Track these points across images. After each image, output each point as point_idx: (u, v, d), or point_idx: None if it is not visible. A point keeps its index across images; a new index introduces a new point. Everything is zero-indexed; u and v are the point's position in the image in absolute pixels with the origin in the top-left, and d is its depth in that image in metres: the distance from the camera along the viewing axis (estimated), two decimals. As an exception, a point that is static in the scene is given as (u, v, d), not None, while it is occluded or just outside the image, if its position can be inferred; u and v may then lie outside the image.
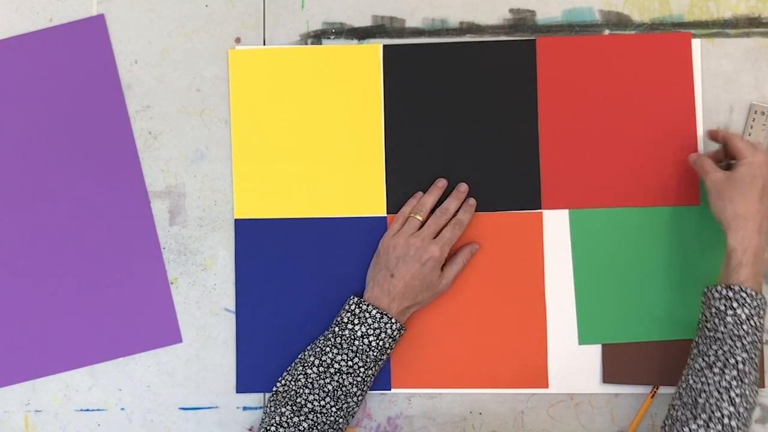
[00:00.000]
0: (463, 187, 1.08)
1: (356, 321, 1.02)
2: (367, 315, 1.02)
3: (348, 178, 1.11)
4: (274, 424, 0.99)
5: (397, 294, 1.03)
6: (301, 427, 0.98)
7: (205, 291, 1.11)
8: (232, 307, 1.11)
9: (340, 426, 1.01)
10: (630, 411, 1.08)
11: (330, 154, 1.11)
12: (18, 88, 1.11)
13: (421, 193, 1.09)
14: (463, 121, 1.10)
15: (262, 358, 1.09)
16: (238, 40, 1.13)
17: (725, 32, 1.11)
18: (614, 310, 1.08)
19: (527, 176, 1.10)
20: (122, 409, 1.10)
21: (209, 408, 1.10)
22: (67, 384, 1.10)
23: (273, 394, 1.03)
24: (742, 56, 1.10)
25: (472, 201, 1.08)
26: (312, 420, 0.99)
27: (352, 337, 1.01)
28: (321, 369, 1.01)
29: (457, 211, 1.08)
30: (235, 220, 1.11)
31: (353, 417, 1.03)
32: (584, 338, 1.08)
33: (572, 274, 1.09)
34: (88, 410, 1.10)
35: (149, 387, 1.10)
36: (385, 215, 1.10)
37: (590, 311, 1.08)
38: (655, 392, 1.07)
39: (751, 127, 1.09)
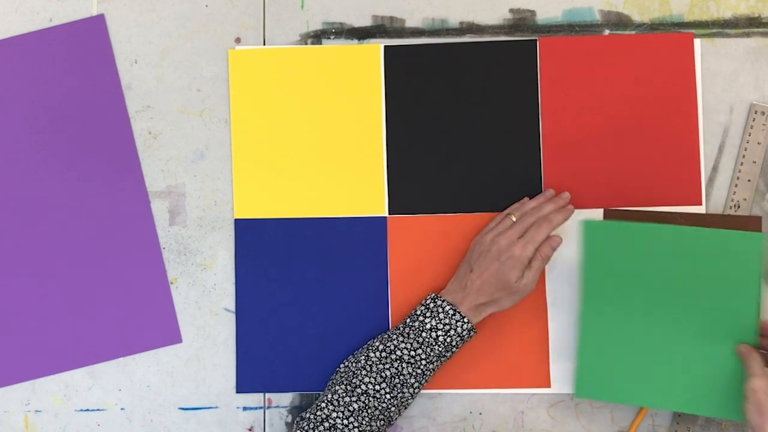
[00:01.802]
0: (566, 195, 1.06)
1: (428, 314, 1.02)
2: (440, 310, 1.02)
3: (348, 178, 1.11)
4: (326, 401, 0.99)
5: (473, 290, 1.02)
6: (351, 408, 0.98)
7: (205, 291, 1.11)
8: (232, 307, 1.11)
9: (392, 415, 1.01)
10: (630, 411, 1.08)
11: (330, 154, 1.11)
12: (18, 88, 1.11)
13: (527, 198, 1.08)
14: (465, 121, 1.10)
15: (262, 358, 1.09)
16: (238, 40, 1.13)
17: (725, 32, 1.11)
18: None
19: (529, 177, 1.10)
20: (122, 409, 1.10)
21: (209, 408, 1.10)
22: (67, 384, 1.10)
23: (334, 374, 1.04)
24: (742, 56, 1.10)
25: (571, 207, 1.06)
26: (363, 402, 0.99)
27: (421, 328, 1.01)
28: (383, 354, 1.01)
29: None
30: (235, 220, 1.11)
31: (406, 408, 1.03)
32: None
33: (574, 273, 1.09)
34: (88, 410, 1.10)
35: (149, 387, 1.10)
36: (386, 215, 1.10)
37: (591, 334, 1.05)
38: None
39: (751, 127, 1.09)
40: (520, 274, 1.02)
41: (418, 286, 1.09)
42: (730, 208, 1.09)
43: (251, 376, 1.10)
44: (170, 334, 1.10)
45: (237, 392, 1.10)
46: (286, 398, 1.10)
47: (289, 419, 1.10)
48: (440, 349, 1.01)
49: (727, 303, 0.99)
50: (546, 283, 1.09)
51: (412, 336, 1.01)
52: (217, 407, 1.10)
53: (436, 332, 1.01)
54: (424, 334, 1.01)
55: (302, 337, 1.09)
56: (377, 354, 1.01)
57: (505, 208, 1.09)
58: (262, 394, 1.10)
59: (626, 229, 1.02)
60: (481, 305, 1.03)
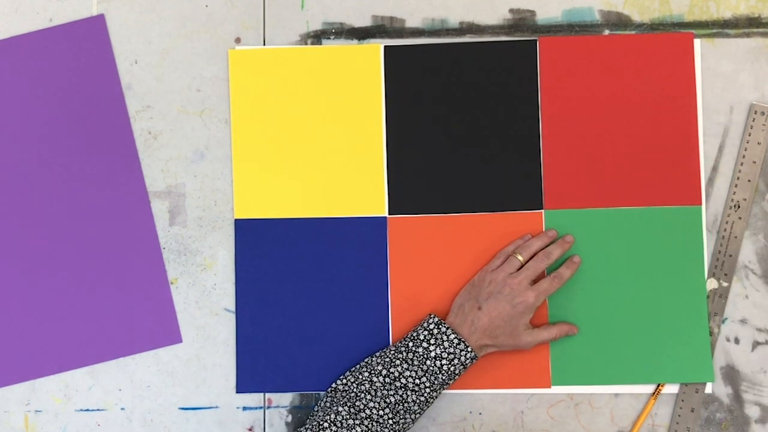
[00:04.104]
0: (569, 238, 1.07)
1: (432, 341, 1.01)
2: (445, 338, 1.01)
3: (348, 178, 1.11)
4: (328, 421, 0.99)
5: (479, 328, 1.02)
6: (354, 431, 0.98)
7: (205, 291, 1.11)
8: (232, 307, 1.11)
9: None
10: (630, 411, 1.08)
11: (330, 154, 1.11)
12: (18, 88, 1.11)
13: (530, 234, 1.08)
14: (465, 121, 1.10)
15: (262, 358, 1.09)
16: (238, 40, 1.13)
17: (725, 32, 1.11)
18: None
19: (529, 177, 1.10)
20: (122, 409, 1.10)
21: (209, 408, 1.10)
22: (67, 384, 1.10)
23: (331, 391, 1.03)
24: (742, 56, 1.10)
25: (577, 258, 1.07)
26: (366, 426, 0.98)
27: (425, 356, 1.01)
28: (387, 380, 1.00)
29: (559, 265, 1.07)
30: (235, 220, 1.11)
31: None
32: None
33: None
34: (88, 410, 1.10)
35: (149, 387, 1.10)
36: (386, 215, 1.10)
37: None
38: (659, 392, 1.07)
39: (751, 127, 1.09)
40: (528, 325, 1.04)
41: (419, 286, 1.09)
42: (730, 208, 1.09)
43: (251, 376, 1.10)
44: (170, 334, 1.10)
45: (237, 392, 1.10)
46: (286, 398, 1.10)
47: (289, 419, 1.10)
48: (444, 377, 1.01)
49: (677, 274, 1.08)
50: (546, 283, 1.09)
51: (416, 363, 1.01)
52: (217, 407, 1.10)
53: (440, 361, 1.00)
54: (428, 362, 1.00)
55: (302, 337, 1.09)
56: (381, 379, 1.01)
57: (505, 208, 1.09)
58: (262, 394, 1.10)
59: (582, 215, 1.08)
60: (484, 345, 1.03)
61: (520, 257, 1.05)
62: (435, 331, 1.02)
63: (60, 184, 1.10)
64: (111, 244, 1.10)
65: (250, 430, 1.10)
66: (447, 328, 1.01)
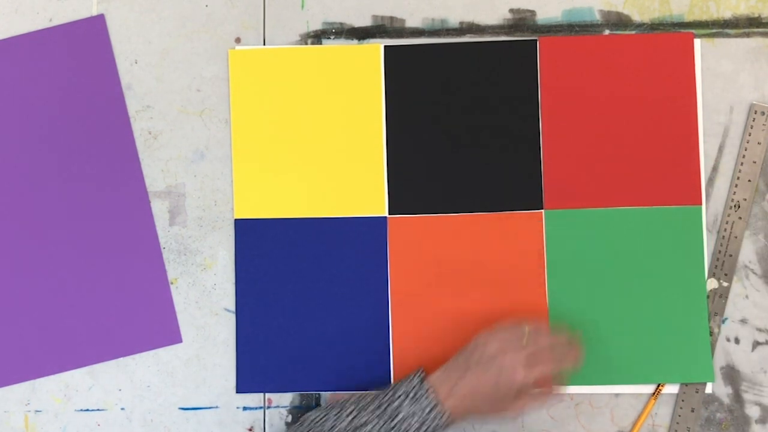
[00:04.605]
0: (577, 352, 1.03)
1: (408, 399, 0.97)
2: (422, 399, 0.96)
3: (348, 178, 1.11)
4: None
5: (459, 394, 0.97)
6: None
7: (205, 291, 1.11)
8: (232, 307, 1.11)
9: None
10: (630, 411, 1.08)
11: (330, 154, 1.11)
12: (18, 88, 1.11)
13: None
14: (465, 121, 1.10)
15: (262, 358, 1.10)
16: (238, 40, 1.13)
17: (725, 32, 1.11)
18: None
19: (529, 177, 1.10)
20: (122, 409, 1.10)
21: (209, 408, 1.10)
22: (67, 384, 1.10)
23: (300, 423, 1.00)
24: (742, 56, 1.10)
25: (581, 359, 1.03)
26: None
27: (396, 412, 0.96)
28: (351, 426, 0.97)
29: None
30: (235, 220, 1.11)
31: None
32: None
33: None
34: (88, 410, 1.10)
35: (149, 387, 1.10)
36: (386, 215, 1.10)
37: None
38: (659, 392, 1.07)
39: (751, 127, 1.09)
40: (512, 398, 0.98)
41: (419, 286, 1.09)
42: (730, 208, 1.09)
43: (251, 376, 1.10)
44: (170, 334, 1.10)
45: (237, 392, 1.10)
46: (286, 398, 1.10)
47: (289, 419, 1.10)
48: None
49: (677, 274, 1.08)
50: (546, 283, 1.09)
51: (385, 418, 0.96)
52: (217, 407, 1.10)
53: (409, 421, 0.96)
54: (398, 419, 0.96)
55: (302, 337, 1.09)
56: (347, 422, 0.97)
57: (505, 208, 1.09)
58: (262, 394, 1.10)
59: (582, 215, 1.09)
60: (464, 412, 0.98)
61: (526, 329, 1.00)
62: (417, 388, 0.98)
63: (60, 184, 1.11)
64: (111, 244, 1.10)
65: (250, 430, 1.10)
66: (427, 390, 0.97)
